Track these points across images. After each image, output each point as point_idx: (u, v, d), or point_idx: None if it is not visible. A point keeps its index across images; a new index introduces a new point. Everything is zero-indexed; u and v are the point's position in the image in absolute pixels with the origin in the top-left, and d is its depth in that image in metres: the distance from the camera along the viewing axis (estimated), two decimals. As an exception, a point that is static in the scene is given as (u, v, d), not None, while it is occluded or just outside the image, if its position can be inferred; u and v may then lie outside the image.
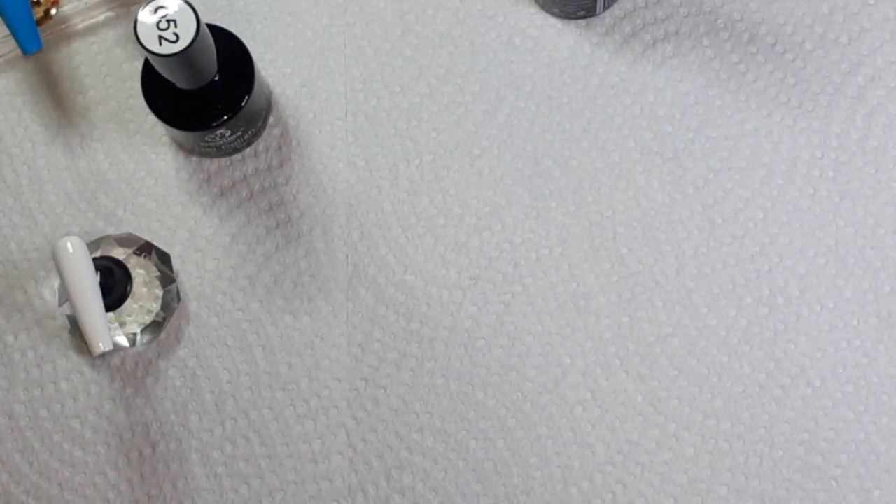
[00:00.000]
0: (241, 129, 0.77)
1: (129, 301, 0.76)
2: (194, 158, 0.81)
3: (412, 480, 0.78)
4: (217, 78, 0.73)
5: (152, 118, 0.80)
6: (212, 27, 0.73)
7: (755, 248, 0.79)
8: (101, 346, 0.71)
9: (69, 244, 0.71)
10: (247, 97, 0.75)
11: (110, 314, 0.75)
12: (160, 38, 0.68)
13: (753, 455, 0.78)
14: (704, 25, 0.81)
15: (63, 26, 0.81)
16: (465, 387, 0.79)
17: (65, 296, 0.77)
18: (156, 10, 0.68)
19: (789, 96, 0.80)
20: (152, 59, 0.69)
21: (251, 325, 0.80)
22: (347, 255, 0.80)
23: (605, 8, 0.80)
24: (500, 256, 0.80)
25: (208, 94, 0.74)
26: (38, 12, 0.80)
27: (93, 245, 0.77)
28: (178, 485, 0.79)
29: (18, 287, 0.80)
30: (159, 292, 0.78)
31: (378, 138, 0.81)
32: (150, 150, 0.81)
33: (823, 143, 0.80)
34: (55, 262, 0.71)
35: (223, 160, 0.81)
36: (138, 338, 0.78)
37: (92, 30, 0.82)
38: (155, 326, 0.78)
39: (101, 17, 0.82)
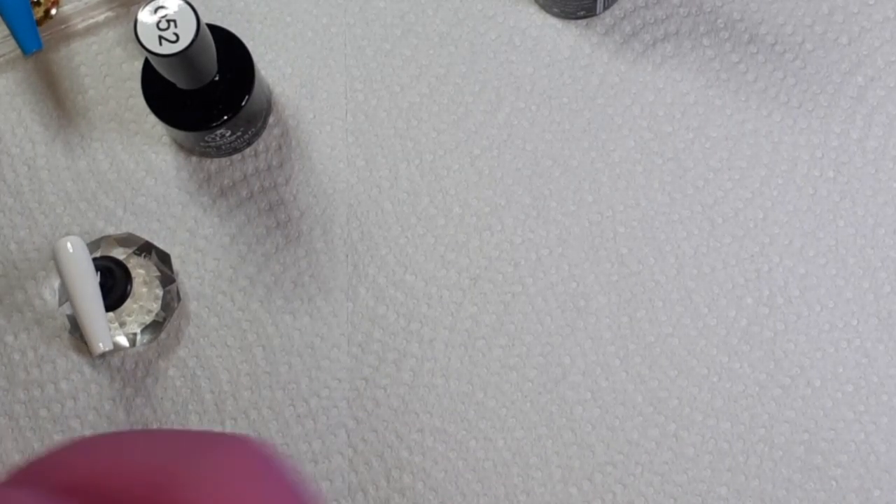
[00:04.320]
0: (241, 129, 0.77)
1: (129, 301, 0.76)
2: (194, 158, 0.81)
3: (412, 480, 0.79)
4: (217, 78, 0.73)
5: (152, 118, 0.80)
6: (212, 27, 0.73)
7: (755, 248, 0.79)
8: (101, 345, 0.71)
9: (69, 244, 0.71)
10: (247, 97, 0.75)
11: (110, 314, 0.75)
12: (160, 38, 0.68)
13: (753, 455, 0.78)
14: (704, 25, 0.81)
15: (63, 26, 0.81)
16: (465, 387, 0.79)
17: (65, 296, 0.77)
18: (156, 10, 0.68)
19: (789, 96, 0.80)
20: (152, 59, 0.69)
21: (251, 325, 0.80)
22: (347, 255, 0.80)
23: (605, 8, 0.80)
24: (500, 256, 0.80)
25: (208, 94, 0.74)
26: (38, 12, 0.80)
27: (93, 245, 0.77)
28: (178, 485, 0.79)
29: (18, 287, 0.80)
30: (159, 292, 0.78)
31: (378, 138, 0.81)
32: (150, 150, 0.81)
33: (823, 143, 0.80)
34: (55, 261, 0.71)
35: (223, 160, 0.81)
36: (138, 338, 0.78)
37: (92, 30, 0.82)
38: (155, 326, 0.78)
39: (101, 17, 0.82)
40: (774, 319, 0.79)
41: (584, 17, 0.81)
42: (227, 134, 0.76)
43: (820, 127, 0.80)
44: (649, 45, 0.81)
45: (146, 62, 0.75)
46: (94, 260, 0.73)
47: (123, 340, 0.77)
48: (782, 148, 0.80)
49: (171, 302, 0.78)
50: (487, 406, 0.79)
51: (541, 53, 0.81)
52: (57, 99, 0.81)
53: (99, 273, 0.72)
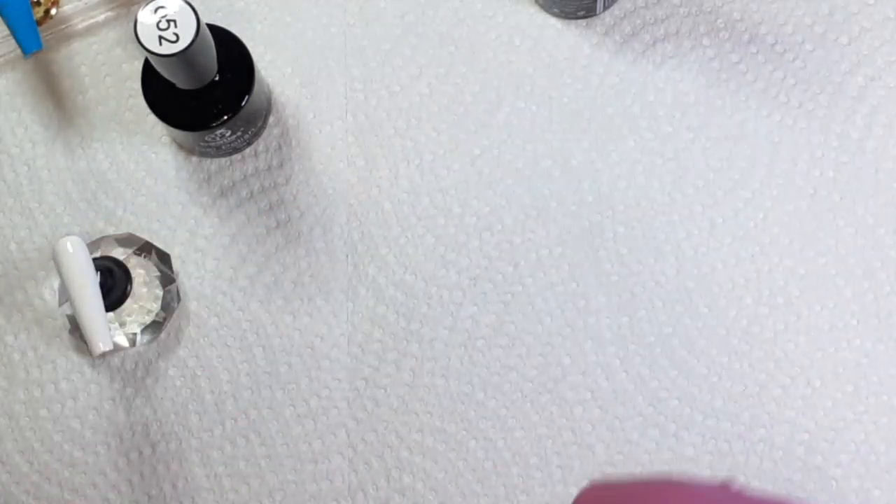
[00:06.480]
0: (241, 129, 0.77)
1: (129, 301, 0.76)
2: (194, 158, 0.81)
3: (412, 480, 0.78)
4: (217, 78, 0.73)
5: (152, 118, 0.80)
6: (212, 27, 0.73)
7: (755, 248, 0.79)
8: (101, 346, 0.71)
9: (69, 244, 0.71)
10: (247, 97, 0.75)
11: (110, 314, 0.75)
12: (160, 38, 0.68)
13: (753, 455, 0.78)
14: (704, 25, 0.81)
15: (63, 26, 0.81)
16: (465, 387, 0.79)
17: (65, 296, 0.77)
18: (156, 10, 0.68)
19: (789, 96, 0.80)
20: (152, 59, 0.69)
21: (251, 325, 0.80)
22: (347, 255, 0.80)
23: (605, 8, 0.80)
24: (500, 256, 0.80)
25: (208, 94, 0.74)
26: (38, 12, 0.80)
27: (93, 245, 0.77)
28: (178, 485, 0.79)
29: (18, 287, 0.80)
30: (159, 292, 0.78)
31: (378, 138, 0.81)
32: (150, 150, 0.81)
33: (823, 143, 0.80)
34: (55, 262, 0.71)
35: (223, 160, 0.81)
36: (138, 338, 0.78)
37: (92, 30, 0.82)
38: (155, 326, 0.78)
39: (101, 17, 0.82)
40: (774, 319, 0.79)
41: (584, 17, 0.81)
42: (227, 134, 0.76)
43: (820, 127, 0.80)
44: (649, 45, 0.81)
45: (146, 62, 0.75)
46: (94, 260, 0.73)
47: (123, 340, 0.77)
48: (782, 148, 0.80)
49: (171, 302, 0.78)
50: (487, 406, 0.79)
51: (541, 53, 0.81)
52: (57, 99, 0.81)
53: (99, 273, 0.72)
